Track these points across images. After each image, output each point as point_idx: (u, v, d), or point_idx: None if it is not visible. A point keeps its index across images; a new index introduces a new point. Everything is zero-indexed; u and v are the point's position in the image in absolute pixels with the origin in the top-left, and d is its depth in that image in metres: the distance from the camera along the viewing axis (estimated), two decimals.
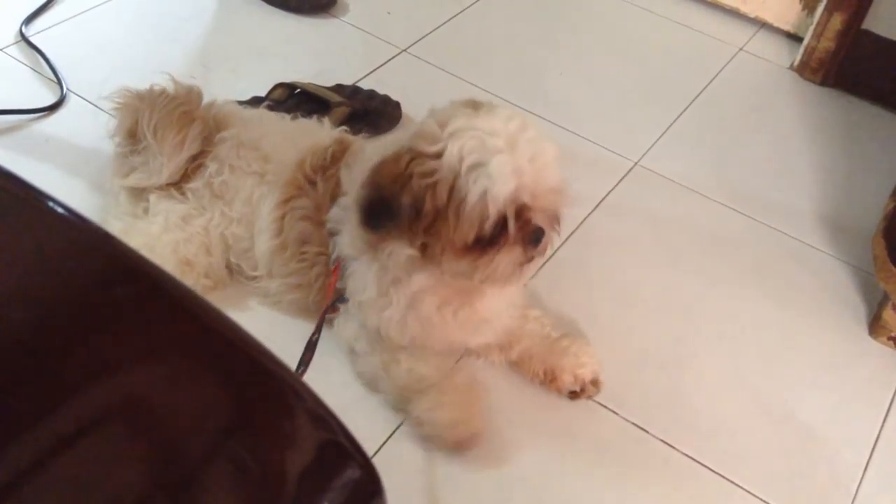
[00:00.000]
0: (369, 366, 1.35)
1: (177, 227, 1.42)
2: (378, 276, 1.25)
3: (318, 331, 1.26)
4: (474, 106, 1.17)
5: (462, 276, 1.20)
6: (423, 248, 1.18)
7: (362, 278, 1.28)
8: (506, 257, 1.16)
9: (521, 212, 1.14)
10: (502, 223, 1.13)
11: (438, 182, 1.11)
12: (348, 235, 1.28)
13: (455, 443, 1.30)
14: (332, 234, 1.32)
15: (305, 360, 1.20)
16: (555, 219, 1.19)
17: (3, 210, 0.58)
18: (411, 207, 1.13)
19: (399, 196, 1.13)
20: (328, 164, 1.35)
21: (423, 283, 1.24)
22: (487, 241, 1.14)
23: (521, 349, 1.42)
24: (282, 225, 1.37)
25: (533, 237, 1.16)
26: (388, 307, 1.27)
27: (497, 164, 1.10)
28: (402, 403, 1.33)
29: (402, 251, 1.19)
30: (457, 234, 1.13)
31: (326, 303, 1.32)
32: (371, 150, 1.28)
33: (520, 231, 1.15)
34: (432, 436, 1.30)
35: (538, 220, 1.16)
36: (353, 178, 1.27)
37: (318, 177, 1.35)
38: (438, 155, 1.12)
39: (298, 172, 1.36)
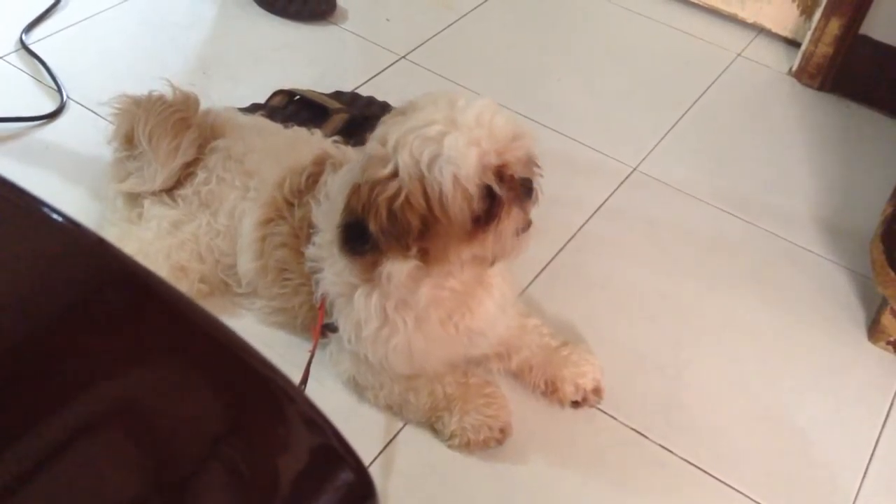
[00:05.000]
0: (388, 399, 1.35)
1: (168, 233, 1.42)
2: (379, 305, 1.23)
3: (304, 381, 1.26)
4: (402, 112, 1.17)
5: (475, 262, 1.20)
6: (424, 254, 1.16)
7: (359, 313, 1.25)
8: (509, 222, 1.15)
9: (500, 173, 1.13)
10: (489, 193, 1.12)
11: (409, 194, 1.10)
12: (332, 273, 1.27)
13: (487, 441, 1.31)
14: (314, 272, 1.31)
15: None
16: (531, 163, 1.17)
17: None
18: (388, 231, 1.12)
19: (370, 221, 1.12)
20: (304, 189, 1.34)
21: (430, 295, 1.22)
22: (486, 217, 1.13)
23: (519, 360, 1.41)
24: (262, 247, 1.37)
25: (524, 191, 1.16)
26: (396, 334, 1.25)
27: (449, 145, 1.09)
28: (430, 422, 1.34)
29: (400, 268, 1.17)
30: (454, 226, 1.12)
31: (313, 346, 1.31)
32: (331, 185, 1.29)
33: (510, 191, 1.14)
34: (466, 443, 1.31)
35: (518, 172, 1.15)
36: (324, 214, 1.28)
37: (296, 200, 1.34)
38: (395, 173, 1.11)
39: (278, 192, 1.36)
